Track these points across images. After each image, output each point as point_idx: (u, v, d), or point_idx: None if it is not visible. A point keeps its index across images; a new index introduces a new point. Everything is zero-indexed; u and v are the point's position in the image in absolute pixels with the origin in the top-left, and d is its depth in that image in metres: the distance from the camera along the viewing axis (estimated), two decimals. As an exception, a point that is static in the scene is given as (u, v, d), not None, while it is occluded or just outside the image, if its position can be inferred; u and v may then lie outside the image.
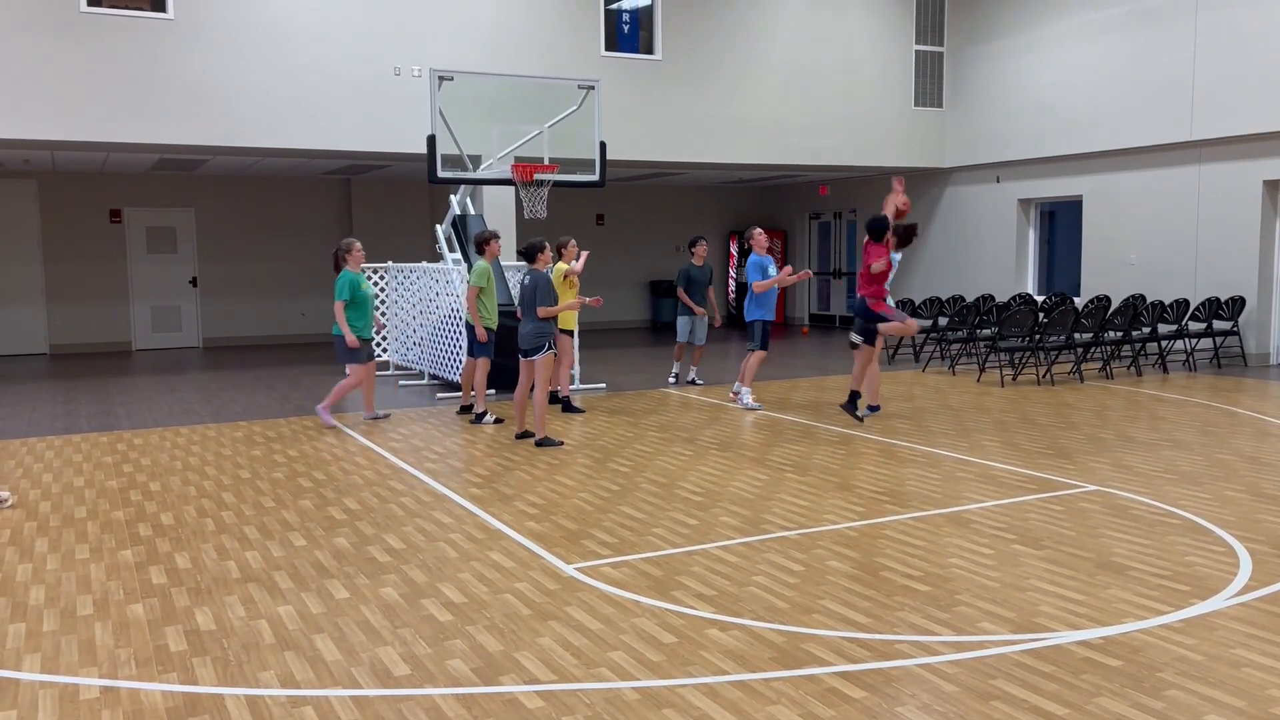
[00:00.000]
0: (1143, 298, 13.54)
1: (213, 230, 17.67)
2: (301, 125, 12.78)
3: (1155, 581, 4.74)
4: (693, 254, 11.40)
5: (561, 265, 9.99)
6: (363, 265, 9.14)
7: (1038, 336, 12.20)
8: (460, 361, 11.28)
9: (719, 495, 6.53)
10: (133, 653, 4.03)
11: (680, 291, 11.39)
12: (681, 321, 11.50)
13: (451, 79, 10.95)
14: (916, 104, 16.94)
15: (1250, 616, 4.28)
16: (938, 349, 14.32)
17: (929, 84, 17.06)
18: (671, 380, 11.91)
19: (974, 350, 13.56)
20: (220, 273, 17.75)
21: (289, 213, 18.22)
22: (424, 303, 12.38)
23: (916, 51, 16.86)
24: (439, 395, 11.26)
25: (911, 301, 14.73)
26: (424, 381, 12.43)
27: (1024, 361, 12.40)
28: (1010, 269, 16.53)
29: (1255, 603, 4.45)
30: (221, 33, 12.29)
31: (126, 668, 3.89)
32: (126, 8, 11.89)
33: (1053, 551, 5.23)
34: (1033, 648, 3.97)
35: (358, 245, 9.23)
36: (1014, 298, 14.76)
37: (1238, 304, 13.10)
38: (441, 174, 11.12)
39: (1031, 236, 16.63)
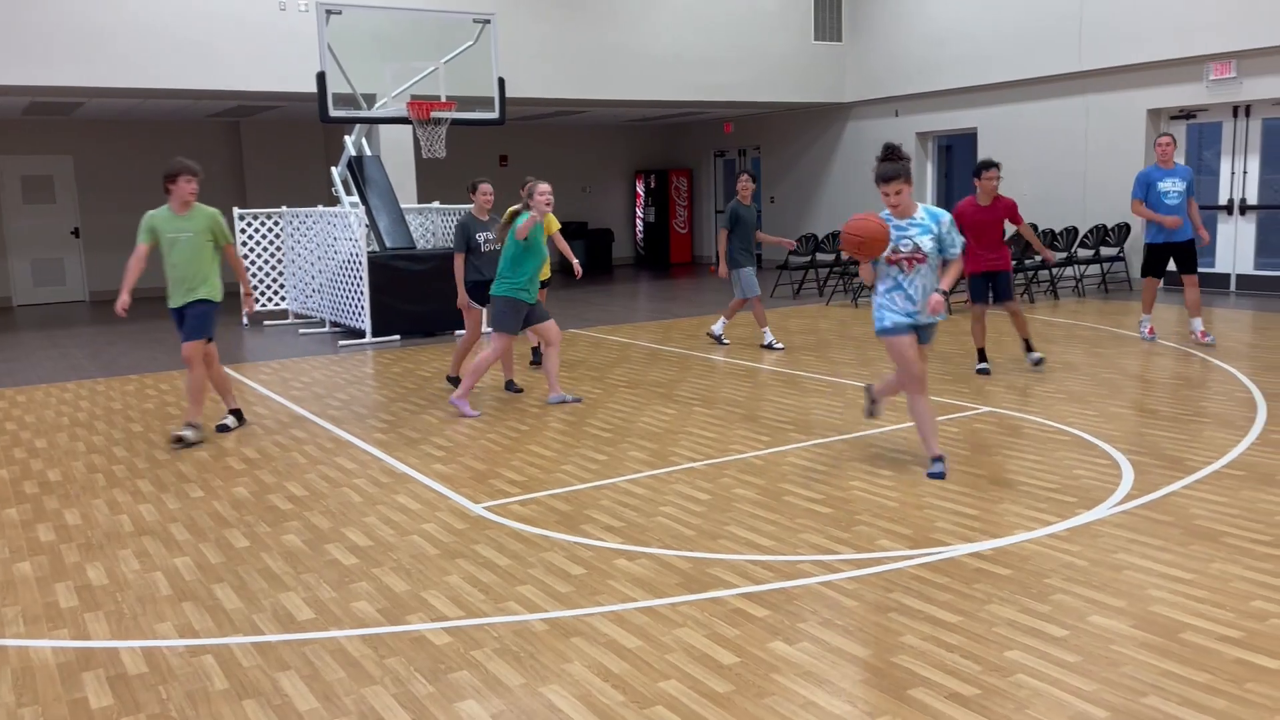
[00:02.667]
0: (1034, 226, 13.94)
1: (94, 178, 16.83)
2: (185, 64, 12.18)
3: (1044, 494, 4.94)
4: (738, 191, 9.47)
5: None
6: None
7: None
8: (363, 307, 11.03)
9: (627, 431, 6.56)
10: (20, 610, 3.88)
11: (722, 236, 9.39)
12: (745, 273, 9.44)
13: (340, 13, 10.55)
14: (816, 38, 16.96)
15: (1131, 523, 4.49)
16: (841, 282, 14.54)
17: (828, 18, 17.08)
18: (777, 345, 9.66)
19: (876, 282, 13.79)
20: (104, 223, 16.94)
21: (174, 158, 17.41)
22: (322, 248, 12.04)
23: (815, -15, 16.82)
24: (341, 343, 11.01)
25: (815, 236, 14.89)
26: (325, 329, 12.15)
27: (923, 292, 12.67)
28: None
29: (1136, 510, 4.67)
30: (90, -35, 11.57)
31: (14, 626, 3.74)
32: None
33: (949, 470, 5.39)
34: (928, 561, 4.11)
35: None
36: (914, 230, 15.00)
37: (1124, 231, 13.58)
38: (333, 113, 10.76)
39: (930, 169, 16.92)
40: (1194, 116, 13.39)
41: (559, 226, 8.66)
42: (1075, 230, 13.46)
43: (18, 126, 16.18)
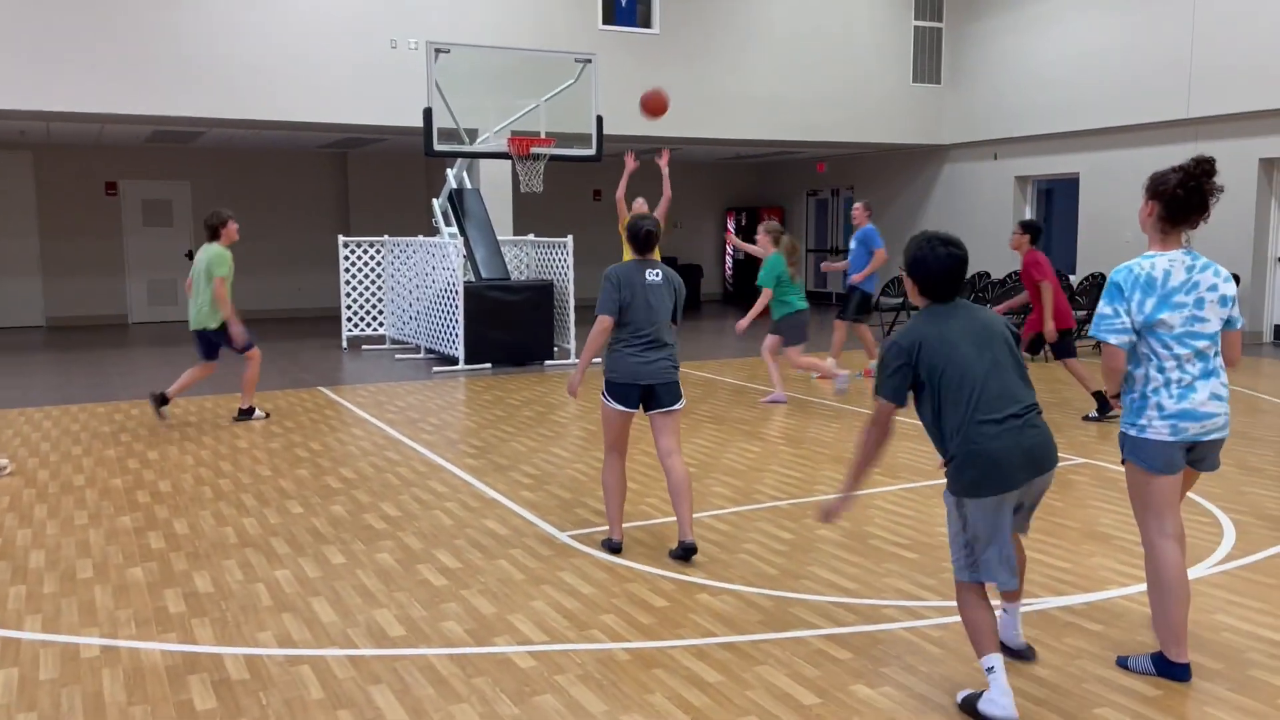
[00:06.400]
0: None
1: (208, 204, 17.58)
2: (298, 98, 12.75)
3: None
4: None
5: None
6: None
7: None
8: (458, 335, 11.31)
9: (712, 467, 6.60)
10: (132, 614, 4.10)
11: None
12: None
13: (448, 51, 10.93)
14: (914, 80, 16.90)
15: (1231, 584, 4.35)
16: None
17: (927, 60, 17.01)
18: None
19: (968, 327, 13.60)
20: (217, 246, 17.72)
21: (285, 187, 18.18)
22: (421, 276, 12.40)
23: (915, 27, 16.79)
24: (435, 369, 11.30)
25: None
26: (420, 355, 12.48)
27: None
28: (1006, 246, 16.52)
29: (1236, 571, 4.52)
30: (218, 3, 12.23)
31: (126, 628, 3.95)
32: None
33: (1042, 522, 5.29)
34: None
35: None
36: (1009, 275, 14.79)
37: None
38: (438, 147, 11.12)
39: (1028, 214, 16.63)
40: (1310, 166, 12.94)
41: None
42: (1180, 280, 13.07)
43: (141, 154, 17.10)
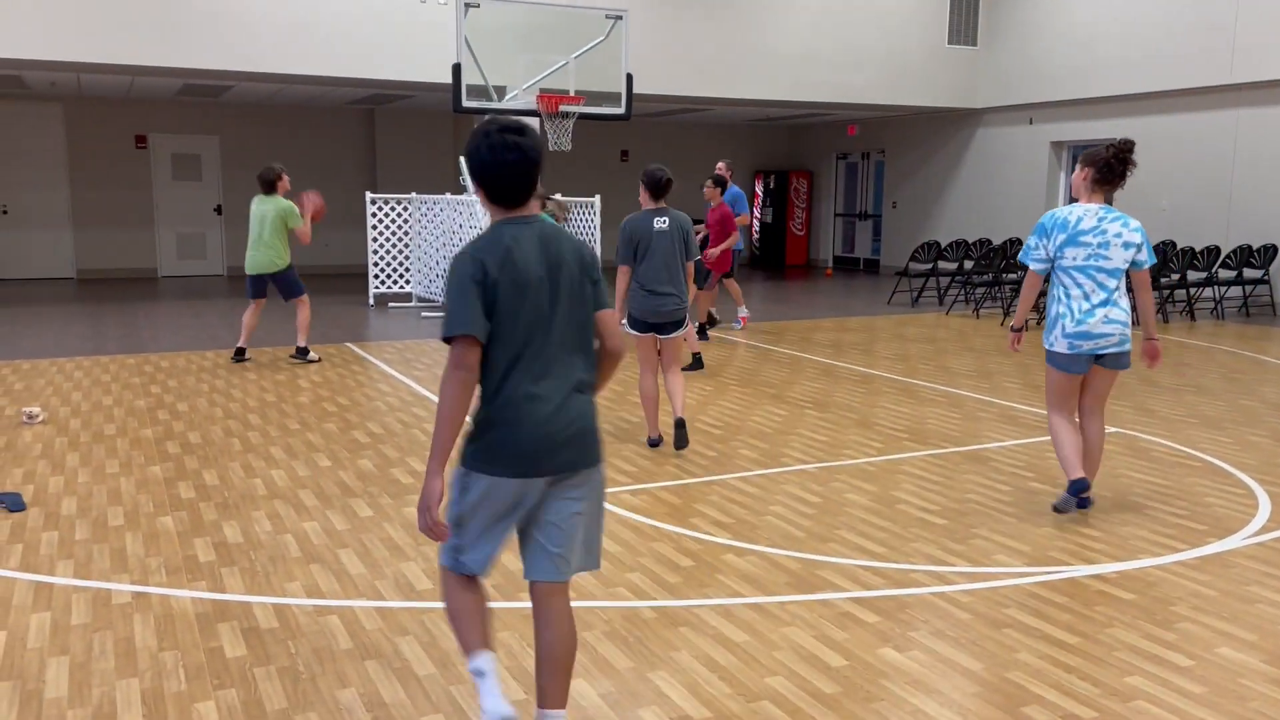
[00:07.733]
0: (1173, 244, 13.35)
1: (237, 158, 17.65)
2: (326, 52, 12.67)
3: (1173, 520, 4.75)
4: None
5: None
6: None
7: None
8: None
9: (738, 429, 6.56)
10: (163, 561, 4.14)
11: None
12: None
13: (478, 6, 10.81)
14: (950, 42, 16.59)
15: (1267, 556, 4.29)
16: (962, 292, 14.22)
17: (964, 21, 16.68)
18: None
19: (999, 294, 13.45)
20: (245, 201, 17.74)
21: (313, 142, 18.15)
22: (448, 235, 12.37)
23: (952, -13, 16.45)
24: (461, 326, 11.28)
25: (938, 244, 14.58)
26: (446, 313, 12.47)
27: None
28: (1040, 212, 16.30)
29: (1273, 543, 4.45)
30: (246, -45, 12.14)
31: (157, 575, 3.99)
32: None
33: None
34: (1047, 580, 4.01)
35: None
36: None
37: (1269, 252, 12.89)
38: (466, 104, 11.04)
39: (1063, 180, 16.36)
40: (1356, 134, 12.63)
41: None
42: (1217, 249, 12.84)
43: (171, 107, 17.11)
